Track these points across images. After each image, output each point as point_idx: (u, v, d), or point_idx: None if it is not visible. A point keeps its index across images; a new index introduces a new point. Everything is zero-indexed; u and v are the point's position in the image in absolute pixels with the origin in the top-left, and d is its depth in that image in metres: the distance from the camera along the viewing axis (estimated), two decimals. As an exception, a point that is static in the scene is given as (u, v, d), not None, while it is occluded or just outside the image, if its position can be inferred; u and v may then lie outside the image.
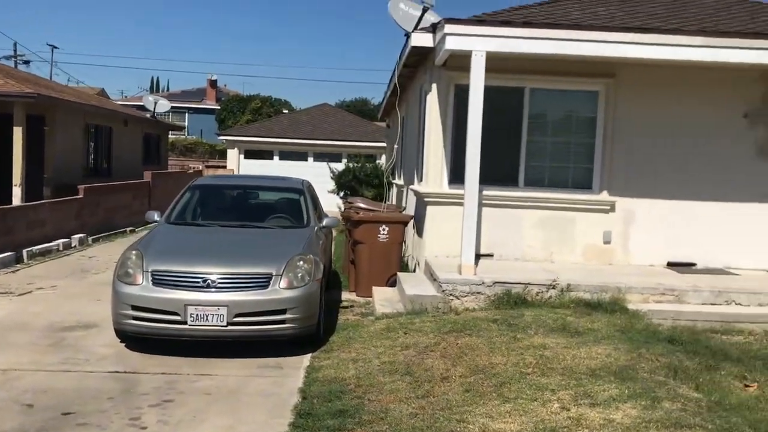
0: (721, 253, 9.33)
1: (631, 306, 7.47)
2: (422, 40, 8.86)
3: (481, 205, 8.59)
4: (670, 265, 9.25)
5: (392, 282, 9.23)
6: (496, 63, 8.15)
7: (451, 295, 7.68)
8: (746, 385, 5.29)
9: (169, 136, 33.15)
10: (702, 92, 9.26)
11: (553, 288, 7.74)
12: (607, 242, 9.28)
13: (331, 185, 18.82)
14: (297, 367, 6.13)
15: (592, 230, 9.27)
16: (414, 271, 9.92)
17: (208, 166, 31.95)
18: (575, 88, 9.28)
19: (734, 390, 5.19)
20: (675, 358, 5.74)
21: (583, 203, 9.24)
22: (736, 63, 8.25)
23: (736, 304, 7.72)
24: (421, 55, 9.56)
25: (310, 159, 26.82)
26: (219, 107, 49.55)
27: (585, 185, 9.36)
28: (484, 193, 8.70)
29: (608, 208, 9.26)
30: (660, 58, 8.16)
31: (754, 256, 9.34)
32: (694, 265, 9.27)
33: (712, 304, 7.70)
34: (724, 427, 4.33)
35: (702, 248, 9.32)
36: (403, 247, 9.94)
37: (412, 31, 9.28)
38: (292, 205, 8.58)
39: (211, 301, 6.26)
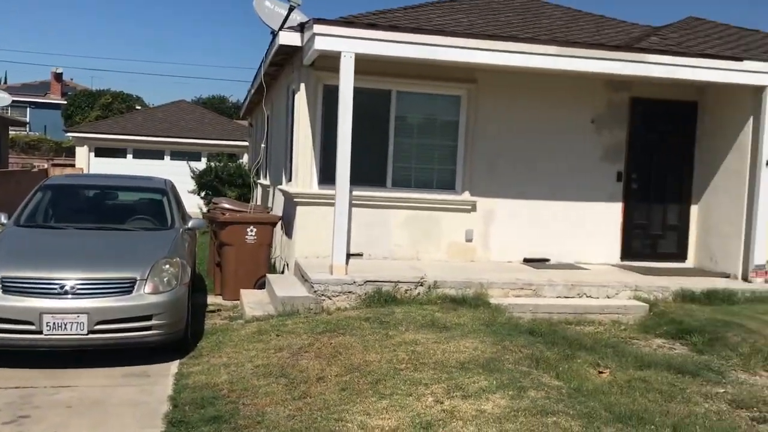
0: (572, 249, 10.00)
1: (493, 300, 7.83)
2: (290, 39, 8.80)
3: (351, 205, 8.67)
4: (527, 261, 9.79)
5: (261, 284, 9.10)
6: (364, 65, 8.24)
7: (323, 295, 7.69)
8: (600, 372, 5.70)
9: (10, 132, 30.68)
10: (555, 98, 9.88)
11: (421, 285, 7.95)
12: (469, 240, 9.66)
13: (192, 185, 18.24)
14: (165, 374, 5.89)
15: (456, 229, 9.62)
16: (283, 272, 9.83)
17: (54, 165, 29.87)
18: (439, 92, 9.58)
19: (590, 377, 5.57)
20: (536, 349, 6.08)
21: (447, 203, 9.57)
22: (584, 72, 8.85)
23: (587, 296, 8.30)
24: (288, 54, 9.50)
25: (167, 158, 25.82)
26: (65, 102, 46.44)
27: (449, 186, 9.70)
28: (354, 193, 8.78)
29: (470, 207, 9.65)
30: (518, 65, 8.59)
31: (601, 252, 10.10)
32: (548, 260, 9.86)
33: (565, 297, 8.23)
34: (584, 411, 4.64)
35: (555, 245, 9.94)
36: (272, 248, 9.83)
37: (279, 30, 9.18)
38: (155, 205, 8.22)
39: (69, 309, 5.87)
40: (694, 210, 10.43)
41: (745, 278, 9.31)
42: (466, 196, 9.65)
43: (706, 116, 10.31)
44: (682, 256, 10.47)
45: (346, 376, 5.45)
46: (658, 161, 10.33)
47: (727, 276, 9.51)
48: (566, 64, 8.66)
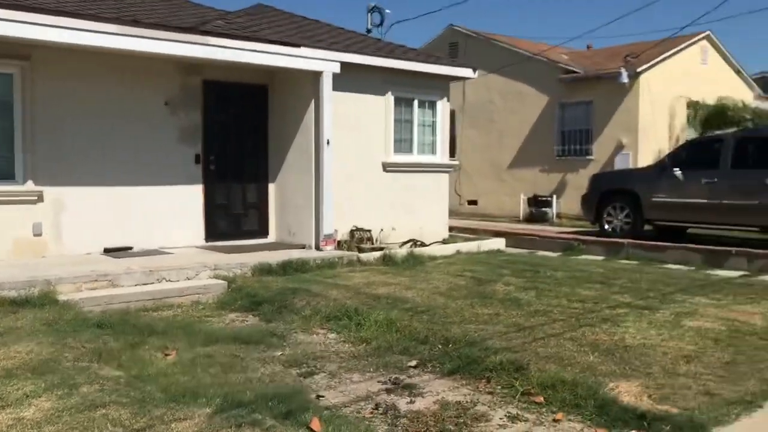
0: (157, 235, 9.81)
1: (62, 297, 7.22)
2: None
3: None
4: (108, 251, 9.30)
5: None
6: None
7: None
8: (166, 354, 5.63)
9: None
10: (129, 79, 9.50)
11: (-28, 291, 6.95)
12: (38, 234, 8.80)
13: None
14: None
15: (21, 223, 8.68)
16: None
17: None
18: (-14, 69, 8.47)
19: (155, 361, 5.45)
20: (101, 342, 5.76)
21: (6, 195, 8.57)
22: (152, 53, 8.66)
23: (167, 280, 8.18)
24: None
25: None
26: None
27: (8, 176, 8.68)
28: None
29: (35, 198, 8.77)
30: (75, 43, 8.01)
31: (186, 235, 10.11)
32: (131, 248, 9.51)
33: (144, 284, 7.99)
34: (138, 397, 4.50)
35: (139, 232, 9.63)
36: None
37: None
38: None
39: None
40: (272, 187, 11.06)
41: (317, 247, 10.20)
42: (30, 185, 8.74)
43: (275, 99, 10.96)
44: (264, 232, 11.03)
45: None
46: (234, 143, 10.68)
47: (303, 247, 10.32)
48: (131, 44, 8.36)
